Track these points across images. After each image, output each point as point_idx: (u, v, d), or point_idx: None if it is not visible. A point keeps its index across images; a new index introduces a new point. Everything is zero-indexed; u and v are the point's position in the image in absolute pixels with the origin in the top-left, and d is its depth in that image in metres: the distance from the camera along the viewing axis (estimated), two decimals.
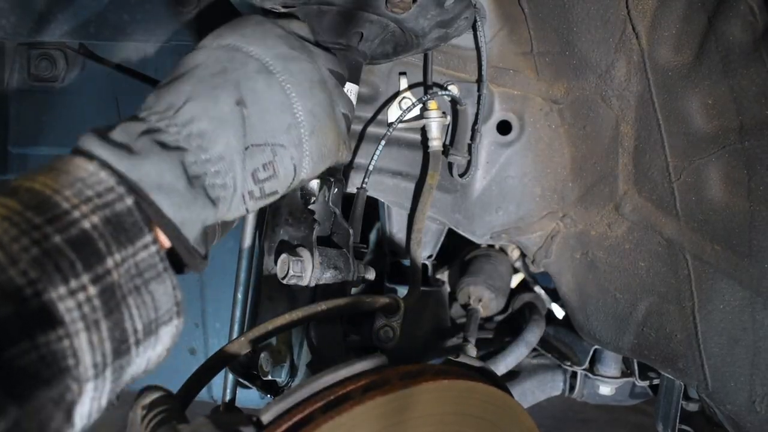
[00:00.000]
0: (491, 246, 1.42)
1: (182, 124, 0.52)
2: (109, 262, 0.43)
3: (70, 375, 0.41)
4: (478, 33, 0.92)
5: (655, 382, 1.30)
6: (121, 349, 0.44)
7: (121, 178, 0.46)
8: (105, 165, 0.46)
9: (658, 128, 0.88)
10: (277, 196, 0.61)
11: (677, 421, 1.12)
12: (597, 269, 1.03)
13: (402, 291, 1.19)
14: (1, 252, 0.39)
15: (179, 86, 0.54)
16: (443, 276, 1.42)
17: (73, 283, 0.41)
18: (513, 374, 1.40)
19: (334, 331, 0.82)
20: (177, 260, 0.52)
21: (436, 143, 0.98)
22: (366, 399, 0.59)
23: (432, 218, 1.08)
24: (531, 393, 1.39)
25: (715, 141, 0.82)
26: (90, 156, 0.46)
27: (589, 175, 1.00)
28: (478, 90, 0.97)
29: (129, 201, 0.46)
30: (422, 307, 1.27)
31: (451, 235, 1.14)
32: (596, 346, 1.29)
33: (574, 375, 1.39)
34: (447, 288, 1.37)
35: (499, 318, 1.44)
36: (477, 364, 0.74)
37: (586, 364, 1.34)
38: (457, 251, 1.43)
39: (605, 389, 1.36)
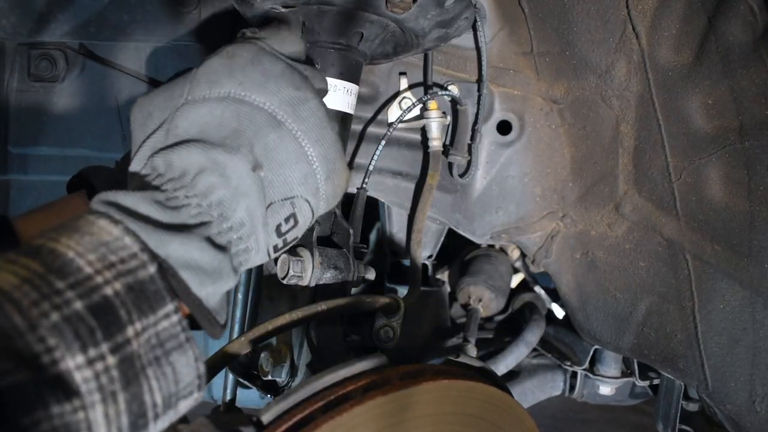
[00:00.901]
0: (491, 246, 1.42)
1: (201, 194, 0.51)
2: (130, 331, 0.42)
3: None
4: (478, 33, 0.92)
5: (655, 382, 1.30)
6: (139, 423, 0.43)
7: (145, 246, 0.46)
8: (129, 230, 0.45)
9: (658, 128, 0.88)
10: (296, 240, 0.61)
11: (677, 421, 1.12)
12: (597, 269, 1.03)
13: (402, 291, 1.19)
14: (20, 317, 0.38)
15: (190, 153, 0.52)
16: (443, 276, 1.42)
17: (92, 352, 0.40)
18: (513, 374, 1.40)
19: (334, 331, 0.82)
20: (194, 322, 0.51)
21: (436, 143, 0.98)
22: (366, 399, 0.59)
23: (432, 218, 1.08)
24: (531, 393, 1.39)
25: (715, 141, 0.82)
26: (115, 220, 0.45)
27: (589, 175, 1.00)
28: (478, 90, 0.97)
29: (152, 269, 0.45)
30: (422, 307, 1.27)
31: (451, 235, 1.14)
32: (596, 346, 1.29)
33: (574, 375, 1.39)
34: (447, 288, 1.37)
35: (499, 318, 1.44)
36: (477, 364, 0.74)
37: (586, 364, 1.34)
38: (457, 251, 1.43)
39: (605, 389, 1.36)
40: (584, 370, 1.35)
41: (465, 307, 1.35)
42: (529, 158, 1.03)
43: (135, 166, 0.54)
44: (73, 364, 0.39)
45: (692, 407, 1.19)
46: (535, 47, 0.96)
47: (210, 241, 0.50)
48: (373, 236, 1.39)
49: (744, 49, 0.75)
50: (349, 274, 0.82)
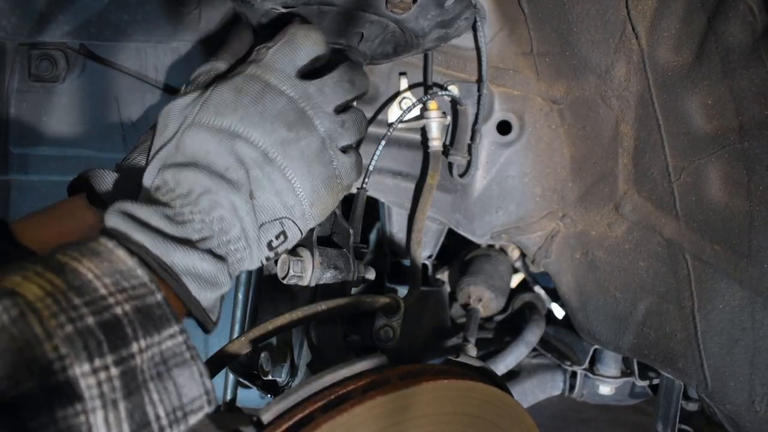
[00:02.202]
0: (491, 246, 1.42)
1: (204, 211, 0.58)
2: (134, 347, 0.47)
3: None
4: (478, 33, 0.92)
5: (655, 381, 1.31)
6: None
7: (157, 263, 0.53)
8: (143, 262, 0.52)
9: (657, 128, 0.88)
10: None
11: (677, 420, 1.12)
12: (597, 269, 1.03)
13: (402, 291, 1.19)
14: (39, 327, 0.43)
15: (197, 176, 0.59)
16: (443, 276, 1.43)
17: (98, 362, 0.44)
18: (513, 374, 1.40)
19: (335, 331, 0.82)
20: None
21: (436, 143, 0.98)
22: (366, 399, 0.59)
23: (432, 218, 1.08)
24: (531, 393, 1.40)
25: (714, 141, 0.82)
26: (131, 252, 0.51)
27: (589, 175, 1.00)
28: (478, 90, 0.97)
29: (159, 296, 0.50)
30: (422, 307, 1.27)
31: (451, 235, 1.14)
32: (596, 346, 1.30)
33: (573, 375, 1.39)
34: (447, 288, 1.37)
35: (499, 318, 1.45)
36: (477, 364, 0.74)
37: (586, 364, 1.34)
38: (457, 251, 1.43)
39: (605, 389, 1.36)
40: (584, 369, 1.35)
41: (465, 307, 1.35)
42: (529, 158, 1.03)
43: (148, 176, 0.62)
44: (80, 371, 0.43)
45: (692, 407, 1.19)
46: (535, 47, 0.96)
47: (210, 252, 0.57)
48: (373, 236, 1.39)
49: (743, 49, 0.75)
50: (349, 274, 0.82)
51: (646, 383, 1.32)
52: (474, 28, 0.91)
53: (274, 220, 0.63)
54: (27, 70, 1.07)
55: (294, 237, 0.66)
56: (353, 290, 0.87)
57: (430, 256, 1.19)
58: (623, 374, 1.34)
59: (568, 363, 1.36)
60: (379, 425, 0.60)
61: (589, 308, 1.07)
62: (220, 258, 0.58)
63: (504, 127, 1.02)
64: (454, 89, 0.99)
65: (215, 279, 0.57)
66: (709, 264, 0.86)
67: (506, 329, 1.42)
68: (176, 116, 0.64)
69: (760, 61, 0.74)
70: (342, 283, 0.82)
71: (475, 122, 0.99)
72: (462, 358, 0.74)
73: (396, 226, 1.12)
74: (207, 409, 0.51)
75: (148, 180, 0.62)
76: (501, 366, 1.26)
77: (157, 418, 0.47)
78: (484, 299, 1.33)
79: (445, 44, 0.90)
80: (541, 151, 1.03)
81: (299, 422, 0.58)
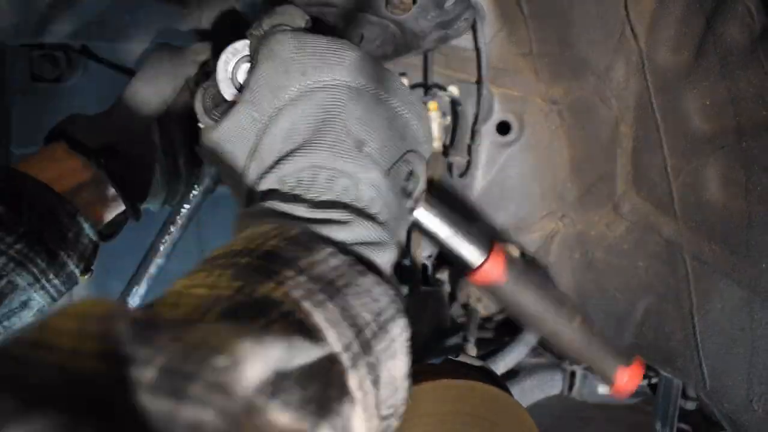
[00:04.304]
0: None
1: (331, 190, 0.52)
2: (320, 254, 0.44)
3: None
4: (477, 34, 0.93)
5: (654, 381, 1.31)
6: (362, 339, 0.41)
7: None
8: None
9: (656, 129, 0.88)
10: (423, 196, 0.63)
11: (676, 419, 1.13)
12: (596, 269, 1.03)
13: (402, 291, 1.19)
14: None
15: (307, 158, 0.53)
16: (443, 276, 1.43)
17: (288, 272, 0.41)
18: (512, 373, 1.40)
19: None
20: None
21: (436, 144, 0.98)
22: None
23: None
24: (530, 392, 1.40)
25: (713, 142, 0.82)
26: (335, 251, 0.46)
27: (588, 176, 1.00)
28: (478, 91, 0.98)
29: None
30: (422, 307, 1.27)
31: None
32: None
33: (572, 374, 1.39)
34: (447, 288, 1.37)
35: (499, 318, 1.45)
36: (477, 363, 0.75)
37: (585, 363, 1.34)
38: None
39: (604, 388, 1.36)
40: (583, 369, 1.35)
41: (465, 307, 1.35)
42: (529, 159, 1.03)
43: (266, 183, 0.55)
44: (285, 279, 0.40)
45: (690, 406, 1.19)
46: (535, 48, 0.96)
47: (357, 218, 0.51)
48: None
49: (742, 50, 0.75)
50: None
51: (645, 382, 1.33)
52: (473, 29, 0.92)
53: (396, 161, 0.56)
54: (29, 70, 1.08)
55: (420, 173, 0.59)
56: None
57: (430, 256, 1.20)
58: None
59: (567, 362, 1.36)
60: None
61: (589, 308, 1.07)
62: (373, 220, 0.52)
63: (503, 128, 1.03)
64: (453, 90, 0.99)
65: (381, 243, 0.52)
66: (708, 264, 0.87)
67: (506, 329, 1.42)
68: (247, 126, 0.56)
69: (758, 62, 0.74)
70: None
71: (475, 123, 0.99)
72: (462, 358, 0.75)
73: None
74: (401, 320, 0.45)
75: (269, 186, 0.54)
76: (500, 365, 1.26)
77: (367, 323, 0.42)
78: (484, 299, 1.33)
79: (445, 45, 0.91)
80: (541, 152, 1.03)
81: None
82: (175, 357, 0.29)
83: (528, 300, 0.83)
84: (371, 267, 0.47)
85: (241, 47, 0.60)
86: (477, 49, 0.95)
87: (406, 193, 0.57)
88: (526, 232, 1.08)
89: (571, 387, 1.40)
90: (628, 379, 0.82)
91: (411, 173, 0.58)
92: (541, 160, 1.03)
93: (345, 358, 0.38)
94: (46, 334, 0.28)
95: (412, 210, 0.59)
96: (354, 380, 0.38)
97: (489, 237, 0.83)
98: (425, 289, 1.25)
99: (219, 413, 0.28)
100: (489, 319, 1.44)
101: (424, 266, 1.27)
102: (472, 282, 0.82)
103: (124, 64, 1.09)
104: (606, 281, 1.02)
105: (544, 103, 1.01)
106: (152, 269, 0.85)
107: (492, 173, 1.04)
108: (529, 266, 0.87)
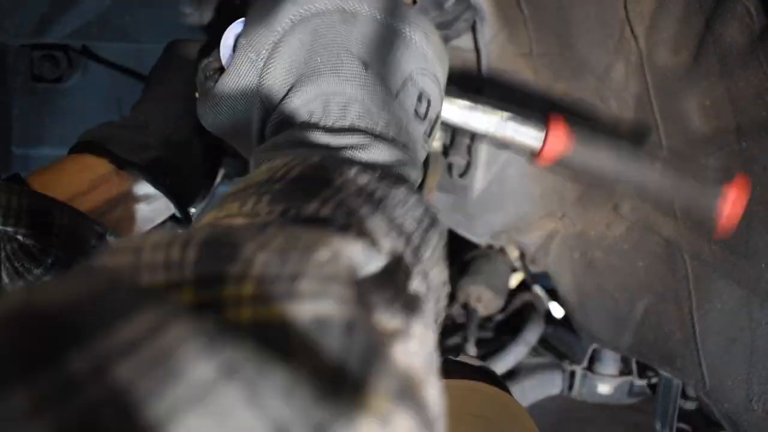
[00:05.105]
0: (491, 246, 1.42)
1: (343, 117, 0.50)
2: (351, 173, 0.42)
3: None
4: (477, 34, 0.93)
5: (654, 380, 1.31)
6: (412, 245, 0.40)
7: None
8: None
9: (656, 129, 0.88)
10: (439, 119, 0.61)
11: (675, 419, 1.13)
12: (596, 269, 1.03)
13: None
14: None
15: (314, 87, 0.51)
16: None
17: (316, 204, 0.39)
18: (512, 373, 1.40)
19: None
20: None
21: (435, 144, 0.98)
22: None
23: None
24: (530, 392, 1.40)
25: (712, 142, 0.82)
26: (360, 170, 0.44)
27: None
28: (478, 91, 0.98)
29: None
30: None
31: (451, 235, 1.14)
32: (595, 345, 1.30)
33: (572, 374, 1.39)
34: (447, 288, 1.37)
35: (499, 318, 1.45)
36: (477, 363, 0.75)
37: (585, 363, 1.34)
38: (457, 251, 1.44)
39: (604, 388, 1.36)
40: (583, 369, 1.35)
41: (465, 307, 1.35)
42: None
43: (276, 122, 0.52)
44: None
45: (690, 406, 1.20)
46: (534, 48, 0.96)
47: (375, 140, 0.49)
48: None
49: (741, 50, 0.75)
50: None
51: (644, 382, 1.33)
52: (473, 30, 0.92)
53: (404, 82, 0.54)
54: (29, 70, 1.08)
55: (435, 96, 0.57)
56: None
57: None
58: (622, 373, 1.35)
59: (567, 362, 1.37)
60: None
61: (588, 308, 1.07)
62: (391, 142, 0.50)
63: None
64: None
65: (403, 162, 0.50)
66: (708, 264, 0.87)
67: (506, 329, 1.42)
68: (245, 80, 0.54)
69: (757, 63, 0.74)
70: None
71: None
72: (462, 358, 0.75)
73: None
74: (438, 226, 0.44)
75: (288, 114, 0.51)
76: (500, 365, 1.26)
77: (412, 231, 0.41)
78: (484, 299, 1.33)
79: (445, 45, 0.91)
80: None
81: None
82: (272, 262, 0.27)
83: (602, 158, 0.75)
84: (400, 180, 0.45)
85: (240, 23, 0.60)
86: (477, 50, 0.95)
87: (419, 116, 0.55)
88: (526, 232, 1.08)
89: (571, 387, 1.40)
90: (731, 205, 0.73)
91: (422, 95, 0.55)
92: None
93: (404, 266, 0.38)
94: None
95: (428, 134, 0.57)
96: (414, 287, 0.38)
97: (537, 108, 0.75)
98: None
99: (341, 303, 0.26)
100: (489, 319, 1.45)
101: None
102: (542, 165, 0.74)
103: (124, 64, 1.09)
104: (606, 281, 1.02)
105: None
106: None
107: (492, 173, 1.04)
108: (587, 123, 0.79)
